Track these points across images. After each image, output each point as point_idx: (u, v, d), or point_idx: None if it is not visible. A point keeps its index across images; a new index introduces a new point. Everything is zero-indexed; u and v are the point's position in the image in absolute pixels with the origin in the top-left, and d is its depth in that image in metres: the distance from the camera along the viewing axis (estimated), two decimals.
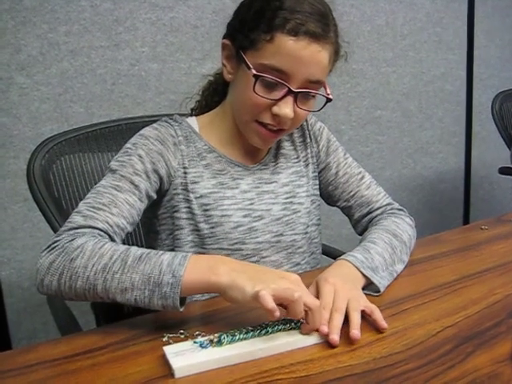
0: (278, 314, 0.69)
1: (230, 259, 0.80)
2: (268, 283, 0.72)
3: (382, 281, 0.91)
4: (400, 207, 1.13)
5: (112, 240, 0.87)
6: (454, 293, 0.90)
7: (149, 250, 0.80)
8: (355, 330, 0.74)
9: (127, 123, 1.24)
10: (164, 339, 0.75)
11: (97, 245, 0.80)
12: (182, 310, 0.77)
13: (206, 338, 0.72)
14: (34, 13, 1.60)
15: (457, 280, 0.95)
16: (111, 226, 0.88)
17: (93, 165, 1.18)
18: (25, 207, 1.67)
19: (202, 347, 0.71)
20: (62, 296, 0.81)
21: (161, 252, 0.79)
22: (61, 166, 1.14)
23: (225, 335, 0.72)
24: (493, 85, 2.77)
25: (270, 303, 0.69)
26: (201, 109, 1.11)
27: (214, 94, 1.10)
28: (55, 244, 0.82)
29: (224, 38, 1.00)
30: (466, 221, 2.87)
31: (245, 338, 0.72)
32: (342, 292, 0.80)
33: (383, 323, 0.77)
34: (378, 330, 0.77)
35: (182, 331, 0.76)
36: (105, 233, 0.86)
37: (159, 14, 1.82)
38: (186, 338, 0.75)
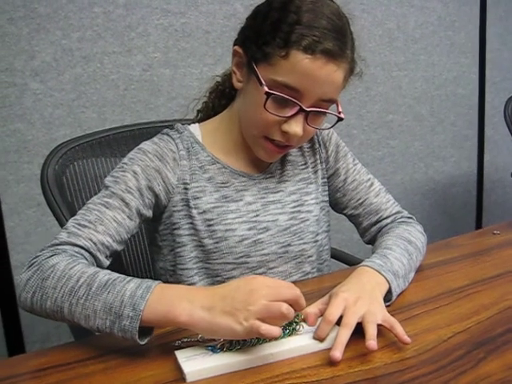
0: (280, 331, 0.70)
1: (197, 291, 0.77)
2: (245, 307, 0.69)
3: (397, 289, 0.88)
4: (409, 215, 1.11)
5: (94, 258, 0.86)
6: (465, 298, 0.90)
7: (116, 276, 0.76)
8: (371, 341, 0.71)
9: (139, 128, 1.25)
10: (176, 343, 0.75)
11: (69, 265, 0.78)
12: (143, 343, 0.73)
13: (217, 342, 0.73)
14: (48, 20, 1.62)
15: (468, 285, 0.95)
16: (94, 244, 0.86)
17: (105, 169, 1.18)
18: (38, 212, 1.69)
19: (214, 352, 0.71)
20: (37, 314, 0.81)
21: (128, 278, 0.75)
22: (74, 171, 1.15)
23: (236, 340, 0.72)
24: (505, 88, 2.76)
25: (275, 332, 0.69)
26: (207, 111, 1.09)
27: (221, 97, 1.08)
28: (35, 260, 0.82)
29: (236, 44, 0.97)
30: (479, 225, 2.85)
31: (256, 343, 0.73)
32: (353, 307, 0.77)
33: (405, 338, 0.74)
34: (395, 338, 0.75)
35: (200, 335, 0.75)
36: (86, 250, 0.85)
37: (171, 19, 1.83)
38: (200, 342, 0.74)
